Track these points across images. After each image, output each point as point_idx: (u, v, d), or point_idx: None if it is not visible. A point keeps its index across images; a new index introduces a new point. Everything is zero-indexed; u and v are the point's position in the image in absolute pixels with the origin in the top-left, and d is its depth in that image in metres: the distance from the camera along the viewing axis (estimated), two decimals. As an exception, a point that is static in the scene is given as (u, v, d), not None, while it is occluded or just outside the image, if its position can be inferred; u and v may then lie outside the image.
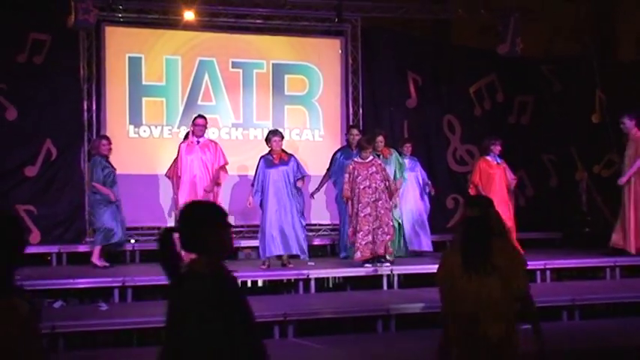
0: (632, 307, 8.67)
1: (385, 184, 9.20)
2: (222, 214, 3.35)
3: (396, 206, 9.89)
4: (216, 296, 3.17)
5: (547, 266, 9.63)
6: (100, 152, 9.70)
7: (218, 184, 9.58)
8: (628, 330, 7.94)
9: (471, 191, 10.10)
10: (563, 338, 7.32)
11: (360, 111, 11.96)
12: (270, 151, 9.62)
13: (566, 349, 6.98)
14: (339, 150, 10.66)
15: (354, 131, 10.49)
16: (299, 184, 9.57)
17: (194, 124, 9.52)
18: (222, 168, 9.65)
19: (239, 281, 3.41)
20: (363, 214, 9.10)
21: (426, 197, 10.92)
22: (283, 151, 9.69)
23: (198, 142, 9.46)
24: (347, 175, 9.28)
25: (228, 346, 3.15)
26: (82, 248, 10.09)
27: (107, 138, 9.92)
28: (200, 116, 9.69)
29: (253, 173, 9.86)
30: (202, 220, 3.29)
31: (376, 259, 9.06)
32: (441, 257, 5.05)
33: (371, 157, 9.30)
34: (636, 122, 10.30)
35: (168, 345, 3.27)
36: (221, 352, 3.15)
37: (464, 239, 4.74)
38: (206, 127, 9.67)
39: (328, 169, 10.49)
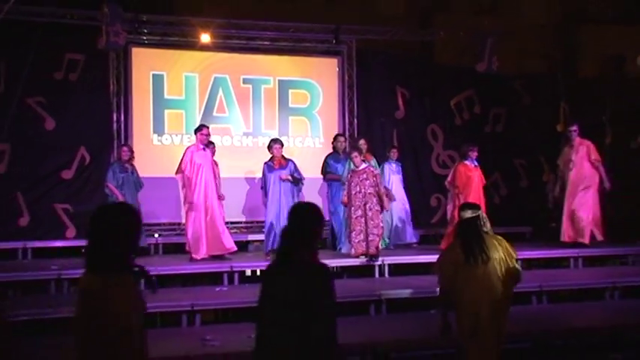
0: (593, 293, 8.68)
1: (375, 190, 9.17)
2: (322, 215, 3.56)
3: (387, 210, 9.80)
4: (319, 281, 3.33)
5: (518, 257, 9.60)
6: (119, 157, 9.77)
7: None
8: (589, 312, 7.96)
9: (456, 192, 10.02)
10: (532, 319, 7.34)
11: (355, 121, 11.97)
12: (271, 158, 9.60)
13: (535, 329, 7.00)
14: (328, 155, 10.59)
15: (341, 138, 10.60)
16: (282, 176, 9.44)
17: (202, 133, 9.25)
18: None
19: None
20: (355, 216, 9.11)
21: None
22: (282, 157, 9.66)
23: (204, 148, 9.40)
24: (346, 184, 9.31)
25: (319, 326, 3.27)
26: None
27: (128, 146, 10.00)
28: (206, 126, 9.48)
29: (260, 176, 9.86)
30: (311, 219, 3.46)
31: (368, 256, 9.02)
32: (441, 254, 5.39)
33: (364, 166, 9.28)
34: (580, 131, 10.36)
35: (272, 323, 3.31)
36: (317, 330, 3.26)
37: (463, 237, 5.04)
38: (210, 135, 9.52)
39: (324, 172, 10.46)
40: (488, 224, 5.44)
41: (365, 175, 9.16)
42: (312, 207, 3.54)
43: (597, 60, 14.83)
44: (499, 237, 5.21)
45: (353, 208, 9.13)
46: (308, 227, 3.41)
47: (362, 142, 10.08)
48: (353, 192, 9.14)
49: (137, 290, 3.09)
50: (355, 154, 9.28)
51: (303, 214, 3.48)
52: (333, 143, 10.67)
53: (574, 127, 10.38)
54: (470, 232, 5.01)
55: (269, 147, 9.67)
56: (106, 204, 3.06)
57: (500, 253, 5.05)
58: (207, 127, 9.46)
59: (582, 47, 15.96)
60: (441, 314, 5.07)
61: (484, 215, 5.32)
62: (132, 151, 9.86)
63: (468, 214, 5.12)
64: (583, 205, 10.18)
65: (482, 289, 4.91)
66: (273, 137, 10.12)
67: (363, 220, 9.04)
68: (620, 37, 13.83)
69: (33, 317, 6.87)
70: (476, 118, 12.70)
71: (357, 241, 9.05)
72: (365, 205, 9.08)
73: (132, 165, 9.82)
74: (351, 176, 9.25)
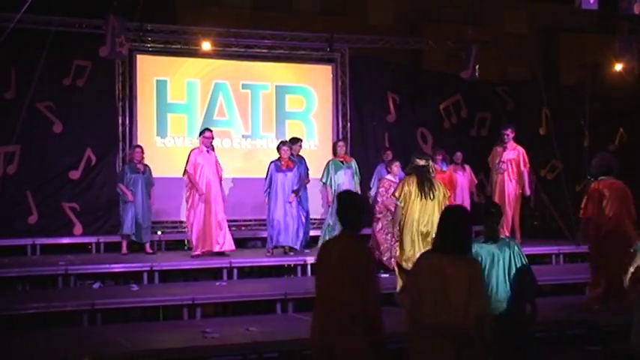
0: (573, 287, 8.65)
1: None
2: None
3: None
4: (514, 245, 4.88)
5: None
6: (132, 158, 9.67)
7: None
8: (569, 306, 7.90)
9: None
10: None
11: (348, 125, 11.92)
12: (279, 158, 9.46)
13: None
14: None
15: (298, 142, 9.93)
16: (290, 198, 9.27)
17: (205, 136, 9.23)
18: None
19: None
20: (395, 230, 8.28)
21: None
22: (290, 158, 9.49)
23: (207, 151, 9.31)
24: (383, 190, 8.77)
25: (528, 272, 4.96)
26: (116, 239, 9.99)
27: (139, 147, 9.85)
28: (209, 129, 9.43)
29: (261, 176, 9.69)
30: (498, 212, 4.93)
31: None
32: (399, 185, 6.98)
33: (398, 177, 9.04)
34: (515, 136, 10.14)
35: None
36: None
37: (419, 178, 6.76)
38: (213, 139, 9.42)
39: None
40: (434, 172, 6.98)
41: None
42: (495, 204, 5.22)
43: (576, 68, 14.85)
44: (439, 181, 6.86)
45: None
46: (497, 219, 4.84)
47: (340, 144, 9.93)
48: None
49: (471, 271, 3.80)
50: (397, 164, 8.91)
51: (494, 211, 4.86)
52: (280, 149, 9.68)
53: (508, 131, 10.09)
54: (424, 176, 6.65)
55: (277, 148, 9.50)
56: (456, 207, 4.16)
57: (441, 193, 6.69)
58: (211, 131, 9.39)
59: (561, 56, 16.00)
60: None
61: (433, 164, 6.97)
62: (143, 152, 9.77)
63: (422, 162, 6.71)
64: (515, 207, 10.05)
65: (431, 218, 6.50)
66: (282, 140, 9.93)
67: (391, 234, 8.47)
68: (596, 47, 13.83)
69: (41, 310, 6.83)
70: (463, 122, 12.64)
71: (385, 258, 8.48)
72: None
73: (144, 165, 9.69)
74: (389, 184, 8.91)
